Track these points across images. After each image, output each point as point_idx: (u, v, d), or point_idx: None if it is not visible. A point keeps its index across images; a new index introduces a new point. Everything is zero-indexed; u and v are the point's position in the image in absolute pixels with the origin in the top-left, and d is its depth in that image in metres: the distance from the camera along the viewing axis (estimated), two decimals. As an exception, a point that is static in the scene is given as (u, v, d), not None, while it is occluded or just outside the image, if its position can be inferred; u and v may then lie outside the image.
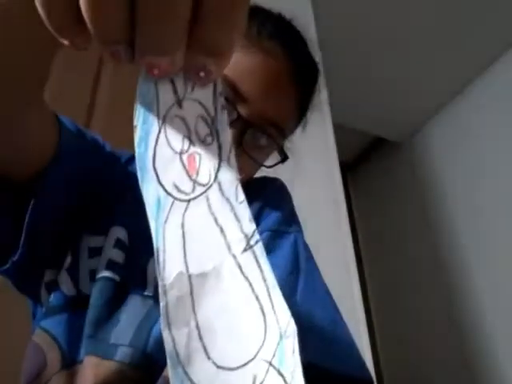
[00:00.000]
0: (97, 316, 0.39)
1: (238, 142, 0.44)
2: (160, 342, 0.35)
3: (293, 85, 0.47)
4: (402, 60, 2.10)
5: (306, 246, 0.46)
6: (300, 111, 0.52)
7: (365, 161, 2.89)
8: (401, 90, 2.28)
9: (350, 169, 2.97)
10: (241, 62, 0.43)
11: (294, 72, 0.47)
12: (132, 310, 0.40)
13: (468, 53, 2.08)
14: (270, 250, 0.42)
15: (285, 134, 0.49)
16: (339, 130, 1.54)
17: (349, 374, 0.36)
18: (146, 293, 0.41)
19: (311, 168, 1.27)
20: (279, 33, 0.48)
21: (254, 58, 0.44)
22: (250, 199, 0.45)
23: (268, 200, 0.47)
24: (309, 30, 1.72)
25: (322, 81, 0.57)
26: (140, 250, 0.43)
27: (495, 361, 1.88)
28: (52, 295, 0.41)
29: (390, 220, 2.60)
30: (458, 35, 1.97)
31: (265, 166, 0.48)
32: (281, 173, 0.58)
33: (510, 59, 2.08)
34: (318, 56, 0.56)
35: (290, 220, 0.48)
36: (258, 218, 0.46)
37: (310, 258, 0.45)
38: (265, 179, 0.52)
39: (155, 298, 0.40)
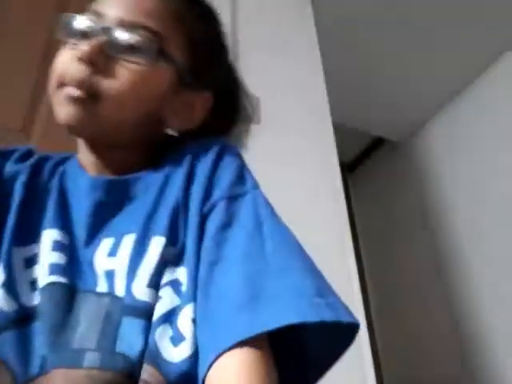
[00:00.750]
0: (52, 323, 0.37)
1: (102, 50, 0.42)
2: (130, 342, 0.35)
3: None
4: (402, 60, 2.11)
5: (265, 202, 0.43)
6: (173, 19, 0.47)
7: (365, 161, 2.89)
8: (401, 90, 2.28)
9: (350, 169, 2.97)
10: None
11: None
12: (90, 310, 0.37)
13: (468, 53, 2.08)
14: (229, 220, 0.40)
15: (147, 29, 0.44)
16: (339, 129, 1.54)
17: (331, 322, 0.33)
18: (98, 290, 0.39)
19: (311, 168, 1.27)
20: None
21: None
22: (193, 166, 0.44)
23: (214, 166, 0.44)
24: (309, 30, 1.72)
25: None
26: (81, 245, 0.42)
27: (495, 361, 1.88)
28: None
29: (390, 220, 2.60)
30: (458, 35, 1.97)
31: (138, 62, 0.43)
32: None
33: (510, 59, 2.08)
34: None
35: (242, 179, 0.45)
36: (210, 186, 0.42)
37: (272, 214, 0.42)
38: (206, 143, 0.48)
39: (111, 294, 0.38)
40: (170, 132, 0.53)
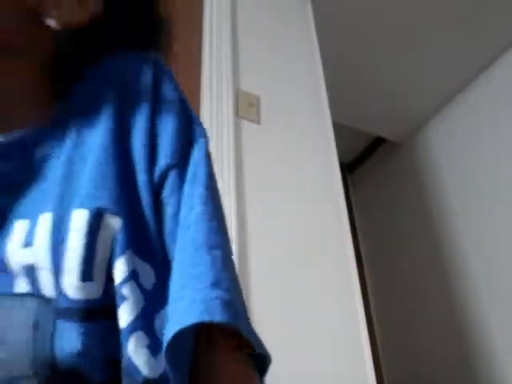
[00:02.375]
0: None
1: None
2: (74, 353, 0.27)
3: None
4: (402, 60, 2.11)
5: (209, 156, 0.36)
6: None
7: (365, 161, 2.89)
8: (401, 90, 2.28)
9: (350, 169, 2.97)
10: None
11: None
12: (10, 322, 0.28)
13: (468, 53, 2.08)
14: (188, 200, 0.33)
15: None
16: (339, 129, 1.54)
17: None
18: (17, 291, 0.29)
19: (311, 168, 1.27)
20: None
21: None
22: (121, 105, 0.34)
23: (153, 106, 0.35)
24: (309, 30, 1.72)
25: None
26: None
27: (495, 361, 1.88)
28: None
29: (389, 220, 2.60)
30: (458, 35, 1.97)
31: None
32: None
33: (510, 59, 2.08)
34: None
35: (189, 128, 0.37)
36: (152, 139, 0.34)
37: (213, 174, 0.36)
38: (126, 61, 0.38)
39: (35, 295, 0.29)
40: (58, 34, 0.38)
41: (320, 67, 1.52)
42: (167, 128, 0.34)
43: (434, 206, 2.34)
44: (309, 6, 1.66)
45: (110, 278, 0.29)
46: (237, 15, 1.41)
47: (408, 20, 1.91)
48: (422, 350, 2.18)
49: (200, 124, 0.38)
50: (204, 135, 0.37)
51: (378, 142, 2.77)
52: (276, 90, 1.35)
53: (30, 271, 0.29)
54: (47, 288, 0.29)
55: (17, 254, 0.29)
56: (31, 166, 0.33)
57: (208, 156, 0.36)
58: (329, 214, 1.22)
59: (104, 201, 0.30)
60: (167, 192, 0.33)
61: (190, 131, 0.36)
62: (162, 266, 0.31)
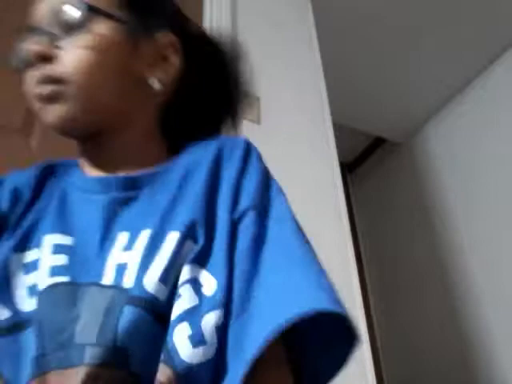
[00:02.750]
0: (51, 325, 0.36)
1: (40, 43, 0.44)
2: (131, 333, 0.35)
3: None
4: (402, 60, 2.11)
5: (289, 207, 0.44)
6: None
7: (365, 161, 2.89)
8: (401, 90, 2.28)
9: (350, 169, 2.97)
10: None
11: None
12: (91, 303, 0.37)
13: (468, 53, 2.08)
14: (261, 231, 0.40)
15: (65, 4, 0.45)
16: (339, 130, 1.54)
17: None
18: (103, 282, 0.38)
19: (311, 168, 1.27)
20: None
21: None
22: (218, 165, 0.45)
23: (242, 169, 0.44)
24: (309, 30, 1.72)
25: None
26: (91, 243, 0.41)
27: (495, 360, 1.88)
28: None
29: (390, 220, 2.60)
30: (458, 35, 1.97)
31: (73, 33, 0.44)
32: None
33: (510, 59, 2.08)
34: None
35: (269, 185, 0.45)
36: (238, 191, 0.42)
37: (295, 219, 0.43)
38: (228, 139, 0.48)
39: (116, 286, 0.37)
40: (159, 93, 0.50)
41: (320, 67, 1.52)
42: (250, 183, 0.43)
43: (433, 206, 2.34)
44: (309, 6, 1.66)
45: (175, 285, 0.37)
46: (237, 15, 1.41)
47: (408, 20, 1.91)
48: (422, 349, 2.18)
49: (279, 187, 0.46)
50: (283, 193, 0.45)
51: (377, 142, 2.77)
52: (276, 90, 1.35)
53: (121, 268, 0.38)
54: (128, 281, 0.37)
55: (116, 256, 0.39)
56: (141, 194, 0.44)
57: (291, 209, 0.43)
58: (329, 214, 1.22)
59: (191, 229, 0.39)
60: (245, 224, 0.40)
61: (269, 188, 0.44)
62: (226, 279, 0.37)
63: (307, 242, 0.40)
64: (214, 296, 0.36)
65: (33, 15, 0.47)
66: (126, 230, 0.41)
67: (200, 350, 0.34)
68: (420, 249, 2.35)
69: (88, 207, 0.44)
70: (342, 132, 1.76)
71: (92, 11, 0.44)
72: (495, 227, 1.99)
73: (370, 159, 2.86)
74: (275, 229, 0.40)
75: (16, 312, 0.38)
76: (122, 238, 0.41)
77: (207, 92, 0.55)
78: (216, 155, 0.45)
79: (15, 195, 0.46)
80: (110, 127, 0.47)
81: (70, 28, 0.44)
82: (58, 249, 0.41)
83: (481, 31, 1.96)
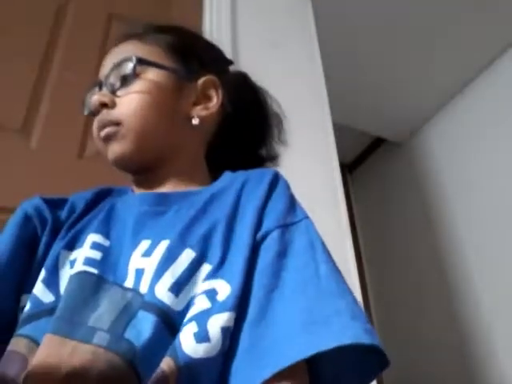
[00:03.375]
0: (71, 302, 0.40)
1: (102, 94, 0.53)
2: (139, 332, 0.37)
3: (125, 43, 0.57)
4: (402, 60, 2.11)
5: (315, 230, 0.46)
6: (144, 41, 0.57)
7: (365, 161, 2.89)
8: (401, 90, 2.28)
9: (350, 169, 2.97)
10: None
11: (128, 37, 0.58)
12: (112, 299, 0.41)
13: (468, 53, 2.08)
14: (284, 248, 0.43)
15: (122, 60, 0.54)
16: (339, 129, 1.54)
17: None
18: (125, 285, 0.42)
19: (311, 168, 1.27)
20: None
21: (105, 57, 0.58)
22: (244, 191, 0.48)
23: (267, 195, 0.48)
24: (309, 30, 1.71)
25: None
26: (123, 249, 0.46)
27: (495, 360, 1.88)
28: (28, 305, 0.43)
29: (390, 220, 2.60)
30: (458, 35, 1.97)
31: (128, 83, 0.53)
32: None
33: (510, 59, 2.08)
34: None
35: (294, 209, 0.48)
36: (263, 212, 0.46)
37: (321, 242, 0.45)
38: (257, 169, 0.53)
39: (135, 290, 0.41)
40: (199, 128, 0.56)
41: (320, 67, 1.52)
42: (275, 207, 0.46)
43: (433, 206, 2.34)
44: (309, 6, 1.66)
45: (191, 302, 0.40)
46: (237, 15, 1.41)
47: (408, 20, 1.91)
48: (422, 349, 2.18)
49: (305, 212, 0.49)
50: (309, 218, 0.47)
51: (377, 142, 2.77)
52: (276, 90, 1.34)
53: (139, 273, 0.42)
54: (144, 286, 0.41)
55: (136, 260, 0.44)
56: (170, 208, 0.49)
57: (313, 229, 0.46)
58: (329, 214, 1.22)
59: (206, 250, 0.43)
60: (268, 242, 0.43)
61: (294, 212, 0.47)
62: (240, 286, 0.40)
63: (333, 262, 0.43)
64: (225, 301, 0.39)
65: (100, 71, 0.56)
66: (149, 238, 0.46)
67: (203, 346, 0.36)
68: (420, 249, 2.35)
69: (126, 218, 0.50)
70: (342, 132, 1.76)
71: (143, 63, 0.53)
72: (495, 227, 1.98)
73: (370, 159, 2.86)
74: (298, 248, 0.43)
75: (58, 297, 0.43)
76: (144, 244, 0.45)
77: (247, 126, 0.62)
78: (241, 185, 0.49)
79: (72, 208, 0.54)
80: (160, 160, 0.54)
81: (127, 78, 0.52)
82: (96, 246, 0.46)
83: (481, 31, 1.96)
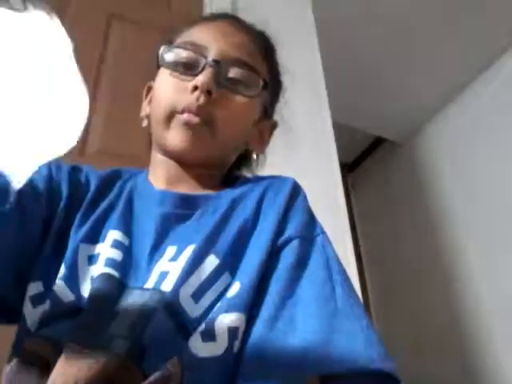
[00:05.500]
0: (94, 307, 0.40)
1: (216, 82, 0.49)
2: (157, 335, 0.37)
3: (243, 34, 0.56)
4: (402, 60, 2.11)
5: (331, 246, 0.47)
6: (261, 57, 0.56)
7: (365, 161, 2.89)
8: (401, 89, 2.28)
9: (350, 169, 2.97)
10: (199, 30, 0.55)
11: (240, 26, 0.59)
12: (131, 304, 0.41)
13: (468, 53, 2.08)
14: (303, 259, 0.43)
15: (251, 67, 0.53)
16: (339, 129, 1.54)
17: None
18: (145, 286, 0.42)
19: (311, 168, 1.27)
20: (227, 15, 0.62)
21: (208, 25, 0.57)
22: (265, 199, 0.49)
23: (288, 203, 0.48)
24: (309, 30, 1.72)
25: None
26: (144, 249, 0.45)
27: (495, 360, 1.88)
28: (48, 304, 0.42)
29: (390, 220, 2.60)
30: (458, 35, 1.97)
31: (247, 95, 0.52)
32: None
33: (509, 60, 2.08)
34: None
35: (313, 222, 0.49)
36: (284, 219, 0.46)
37: (337, 257, 0.46)
38: (276, 177, 0.53)
39: (155, 289, 0.41)
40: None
41: (320, 67, 1.52)
42: (296, 217, 0.46)
43: (433, 206, 2.34)
44: (309, 7, 1.66)
45: (211, 309, 0.40)
46: (237, 15, 1.41)
47: (408, 20, 1.91)
48: (422, 349, 2.18)
49: (322, 227, 0.49)
50: (326, 233, 0.48)
51: (377, 142, 2.77)
52: (276, 90, 1.34)
53: (163, 274, 0.42)
54: (167, 286, 0.40)
55: (163, 265, 0.43)
56: (194, 212, 0.48)
57: (329, 245, 0.47)
58: (329, 214, 1.22)
59: (229, 260, 0.43)
60: (287, 250, 0.43)
61: (313, 225, 0.48)
62: (252, 286, 0.40)
63: (348, 281, 0.44)
64: (233, 298, 0.39)
65: (220, 46, 0.52)
66: (175, 244, 0.45)
67: (208, 345, 0.37)
68: (420, 249, 2.35)
69: (146, 217, 0.48)
70: (342, 132, 1.76)
71: (264, 89, 0.53)
72: (495, 227, 1.98)
73: (370, 159, 2.86)
74: (316, 264, 0.43)
75: (79, 297, 0.42)
76: (170, 251, 0.44)
77: None
78: (262, 192, 0.49)
79: (87, 180, 0.52)
80: (211, 163, 0.53)
81: (239, 85, 0.51)
82: (117, 244, 0.45)
83: (481, 31, 1.96)
